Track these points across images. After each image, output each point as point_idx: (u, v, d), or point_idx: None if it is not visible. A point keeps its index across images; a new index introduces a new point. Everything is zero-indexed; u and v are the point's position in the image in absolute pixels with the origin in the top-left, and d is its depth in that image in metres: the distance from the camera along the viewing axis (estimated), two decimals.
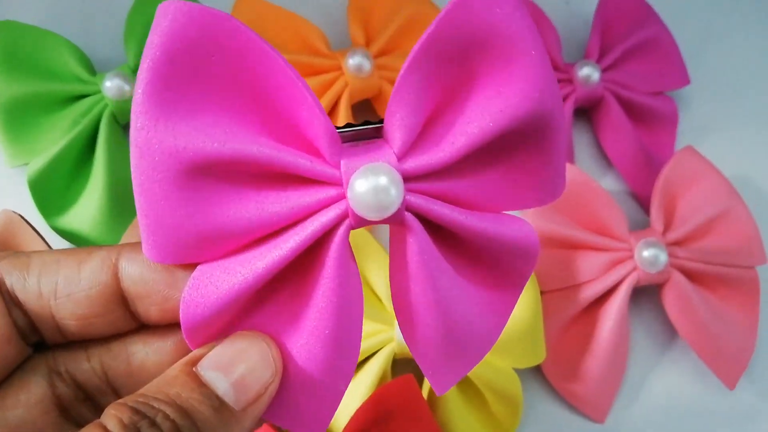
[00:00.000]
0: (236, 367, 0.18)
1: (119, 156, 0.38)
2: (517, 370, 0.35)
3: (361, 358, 0.34)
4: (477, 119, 0.18)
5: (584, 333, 0.38)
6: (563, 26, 0.45)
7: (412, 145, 0.18)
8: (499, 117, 0.17)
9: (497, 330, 0.21)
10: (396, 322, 0.34)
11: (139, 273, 0.19)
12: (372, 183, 0.17)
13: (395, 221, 0.18)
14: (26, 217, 0.34)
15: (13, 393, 0.19)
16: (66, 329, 0.19)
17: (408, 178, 0.18)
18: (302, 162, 0.17)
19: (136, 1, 0.39)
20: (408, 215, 0.18)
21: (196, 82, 0.17)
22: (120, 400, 0.17)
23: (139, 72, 0.16)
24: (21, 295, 0.19)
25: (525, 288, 0.35)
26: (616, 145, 0.42)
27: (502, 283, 0.20)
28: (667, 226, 0.39)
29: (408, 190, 0.18)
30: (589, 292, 0.37)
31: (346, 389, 0.19)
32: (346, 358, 0.19)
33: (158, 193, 0.17)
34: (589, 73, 0.41)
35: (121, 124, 0.40)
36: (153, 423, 0.16)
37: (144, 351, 0.20)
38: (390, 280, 0.19)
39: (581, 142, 0.44)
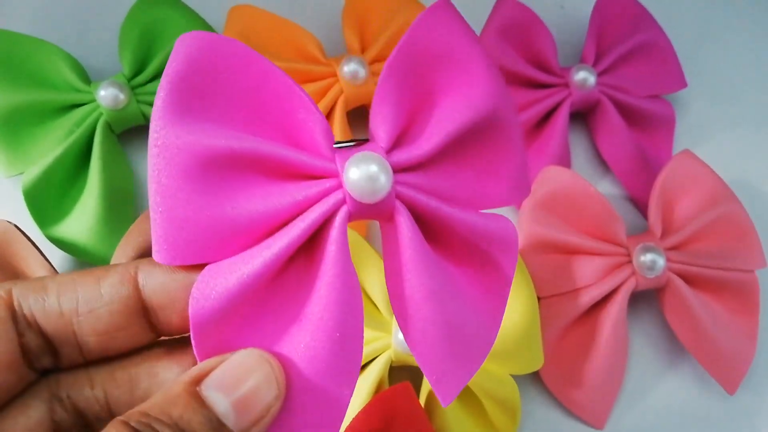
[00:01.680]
0: (240, 388, 0.18)
1: (114, 165, 0.38)
2: (515, 377, 0.35)
3: None
4: (446, 118, 0.21)
5: (582, 339, 0.38)
6: (558, 30, 0.44)
7: (396, 141, 0.20)
8: (464, 114, 0.21)
9: (494, 328, 0.21)
10: (393, 329, 0.34)
11: (161, 282, 0.19)
12: (364, 169, 0.19)
13: (387, 209, 0.20)
14: (21, 227, 0.34)
15: (12, 416, 0.19)
16: (86, 346, 0.19)
17: (394, 170, 0.20)
18: (303, 157, 0.19)
19: (130, 9, 0.39)
20: (398, 202, 0.20)
21: (208, 95, 0.19)
22: (121, 417, 0.17)
23: (159, 88, 0.19)
24: (41, 317, 0.19)
25: (522, 293, 0.35)
26: (612, 149, 0.42)
27: (490, 280, 0.21)
28: (665, 231, 0.39)
29: (395, 182, 0.20)
30: (587, 297, 0.37)
31: (351, 395, 0.19)
32: (349, 356, 0.19)
33: (173, 187, 0.18)
34: (585, 77, 0.41)
35: (116, 133, 0.39)
36: None
37: (148, 381, 0.20)
38: (387, 280, 0.21)
39: (578, 147, 0.44)
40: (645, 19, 0.44)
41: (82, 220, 0.37)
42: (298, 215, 0.19)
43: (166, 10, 0.39)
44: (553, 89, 0.42)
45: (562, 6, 0.47)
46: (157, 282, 0.19)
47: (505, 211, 0.41)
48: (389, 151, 0.20)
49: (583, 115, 0.44)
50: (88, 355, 0.20)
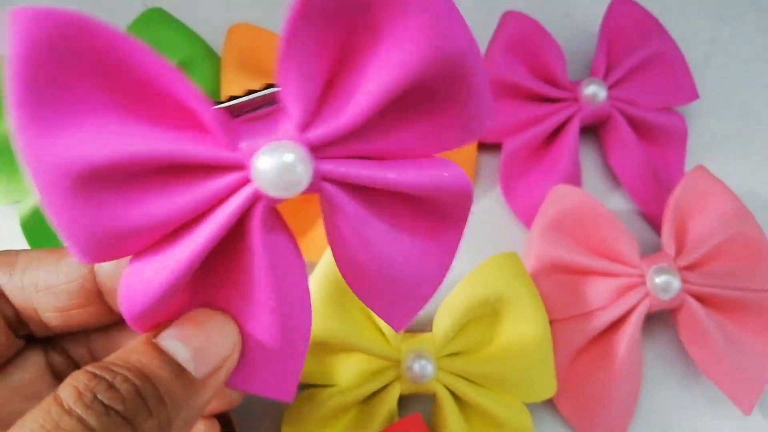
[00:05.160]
0: (195, 337, 0.18)
1: None
2: (527, 404, 0.35)
3: (366, 394, 0.33)
4: (378, 76, 0.16)
5: (596, 362, 0.37)
6: (567, 42, 0.43)
7: (314, 113, 0.17)
8: (399, 70, 0.16)
9: (441, 274, 0.21)
10: (403, 358, 0.33)
11: (112, 267, 0.20)
12: (276, 162, 0.16)
13: (314, 192, 0.18)
14: None
15: (9, 373, 0.21)
16: (48, 321, 0.20)
17: (316, 148, 0.17)
18: (200, 150, 0.16)
19: (127, 30, 0.38)
20: (326, 185, 0.18)
21: (69, 88, 0.16)
22: (82, 369, 0.17)
23: (5, 87, 0.16)
24: (7, 289, 0.20)
25: (533, 317, 0.35)
26: (624, 164, 0.41)
27: (441, 227, 0.21)
28: (679, 250, 0.38)
29: (319, 158, 0.17)
30: (600, 320, 0.36)
31: (305, 350, 0.20)
32: (297, 327, 0.19)
33: (58, 204, 0.16)
34: (595, 91, 0.40)
35: None
36: (111, 385, 0.16)
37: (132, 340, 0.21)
38: (330, 246, 0.20)
39: (588, 162, 0.43)
40: (655, 29, 0.43)
41: None
42: (207, 212, 0.17)
43: (163, 30, 0.38)
44: (562, 104, 0.41)
45: (566, 15, 0.46)
46: (109, 266, 0.20)
47: (514, 232, 0.41)
48: (306, 127, 0.17)
49: (594, 130, 0.43)
50: (54, 329, 0.21)
